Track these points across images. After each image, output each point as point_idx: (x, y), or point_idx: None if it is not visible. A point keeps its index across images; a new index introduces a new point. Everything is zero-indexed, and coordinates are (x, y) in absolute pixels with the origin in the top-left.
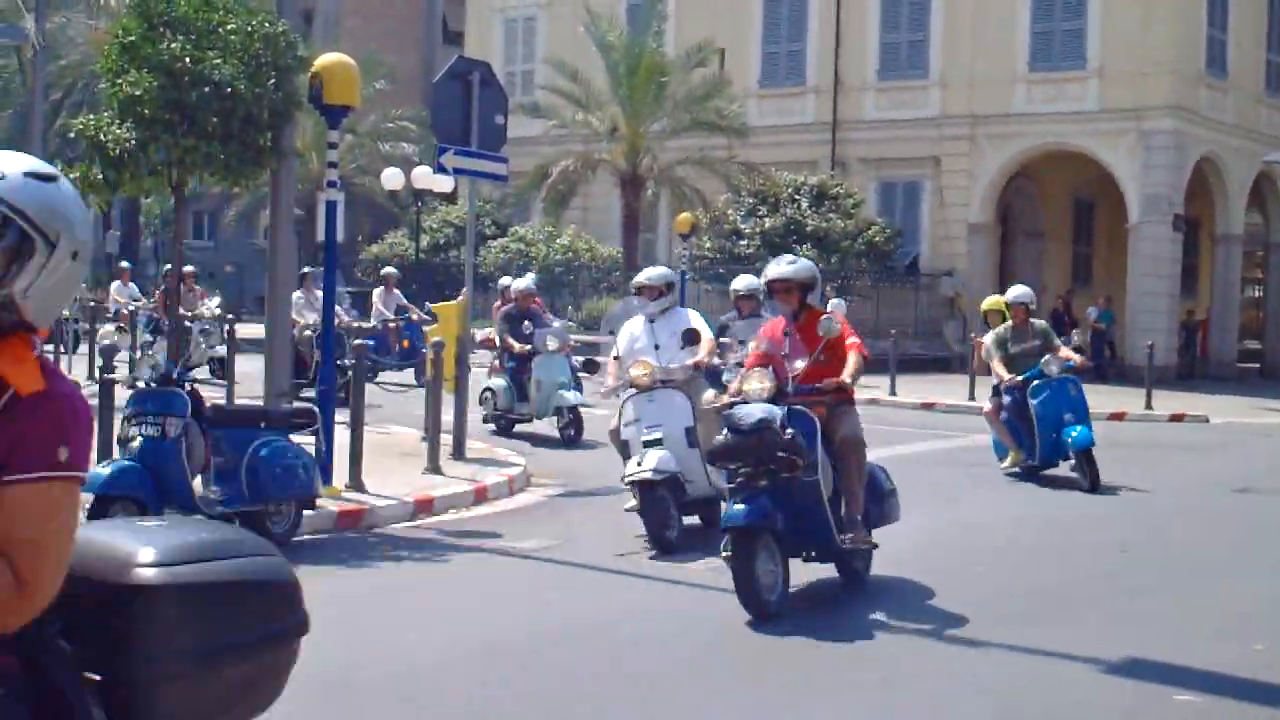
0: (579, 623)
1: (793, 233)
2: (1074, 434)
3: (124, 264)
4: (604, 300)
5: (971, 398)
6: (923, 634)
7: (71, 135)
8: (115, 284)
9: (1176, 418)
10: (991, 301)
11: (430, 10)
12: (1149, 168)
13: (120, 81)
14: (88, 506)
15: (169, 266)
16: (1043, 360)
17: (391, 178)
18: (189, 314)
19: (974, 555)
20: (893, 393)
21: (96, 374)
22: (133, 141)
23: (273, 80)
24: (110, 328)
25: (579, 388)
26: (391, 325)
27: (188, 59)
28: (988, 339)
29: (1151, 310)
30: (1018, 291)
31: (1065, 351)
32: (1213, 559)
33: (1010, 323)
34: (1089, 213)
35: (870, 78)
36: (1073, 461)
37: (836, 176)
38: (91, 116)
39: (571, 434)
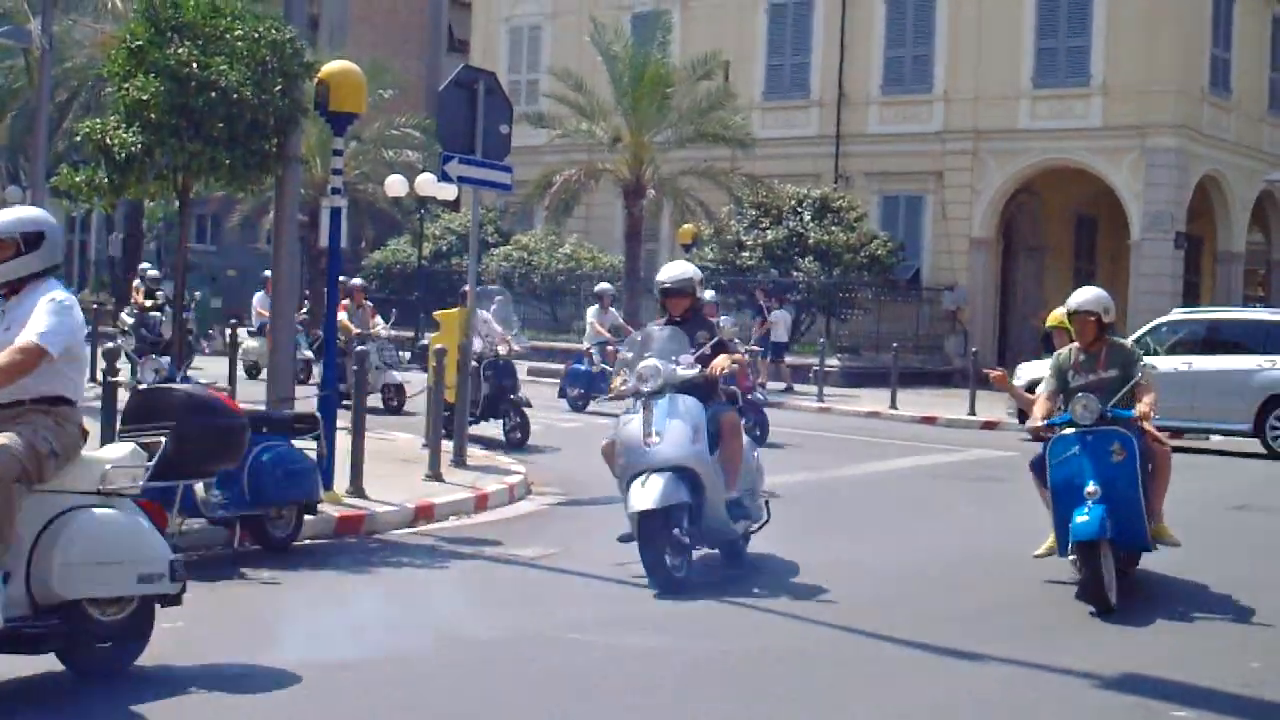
0: (575, 631)
1: (795, 245)
2: (1080, 518)
3: (266, 273)
4: None
5: (972, 412)
6: (918, 647)
7: (78, 138)
8: (259, 295)
9: (1175, 435)
10: (1056, 316)
11: (436, 19)
12: (1151, 185)
13: (126, 86)
14: None
15: (154, 270)
16: (1075, 398)
17: (395, 185)
18: (362, 334)
19: (969, 569)
20: (893, 406)
21: (99, 376)
22: (138, 146)
23: (279, 86)
24: (254, 343)
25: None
26: (610, 351)
27: (194, 64)
28: (1049, 364)
29: None
30: (1083, 297)
31: (1145, 387)
32: (1209, 576)
33: (1077, 343)
34: (1091, 229)
35: (874, 92)
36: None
37: (839, 189)
38: (98, 120)
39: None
